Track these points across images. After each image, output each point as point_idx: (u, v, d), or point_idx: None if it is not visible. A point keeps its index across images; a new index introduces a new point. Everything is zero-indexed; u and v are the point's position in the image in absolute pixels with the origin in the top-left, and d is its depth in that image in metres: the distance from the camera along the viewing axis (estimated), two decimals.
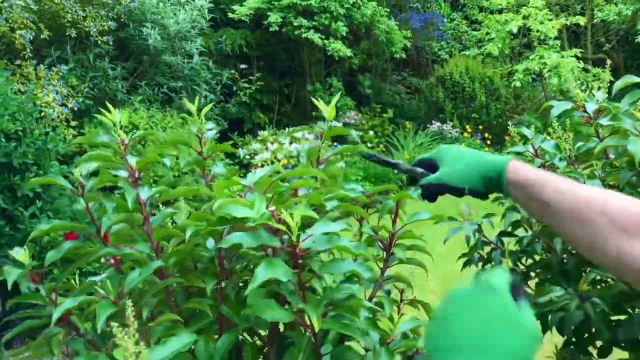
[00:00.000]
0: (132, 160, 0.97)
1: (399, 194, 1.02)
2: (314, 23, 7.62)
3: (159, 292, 0.89)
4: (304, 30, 7.51)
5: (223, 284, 0.90)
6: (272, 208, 0.86)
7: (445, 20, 10.33)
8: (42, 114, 5.34)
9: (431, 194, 0.92)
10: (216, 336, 0.90)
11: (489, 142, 9.00)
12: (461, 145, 1.04)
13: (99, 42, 6.17)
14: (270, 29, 7.48)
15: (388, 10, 8.52)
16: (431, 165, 0.95)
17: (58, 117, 5.52)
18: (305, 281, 0.79)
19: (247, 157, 7.37)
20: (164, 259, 0.90)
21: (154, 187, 0.99)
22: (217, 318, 0.90)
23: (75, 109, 5.77)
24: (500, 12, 9.24)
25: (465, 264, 1.62)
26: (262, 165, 7.37)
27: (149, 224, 0.91)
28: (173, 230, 0.91)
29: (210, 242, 0.91)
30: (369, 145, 7.98)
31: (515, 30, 8.75)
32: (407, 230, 1.01)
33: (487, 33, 9.40)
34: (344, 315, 0.79)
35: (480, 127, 9.11)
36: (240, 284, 0.95)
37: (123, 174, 1.00)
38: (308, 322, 0.79)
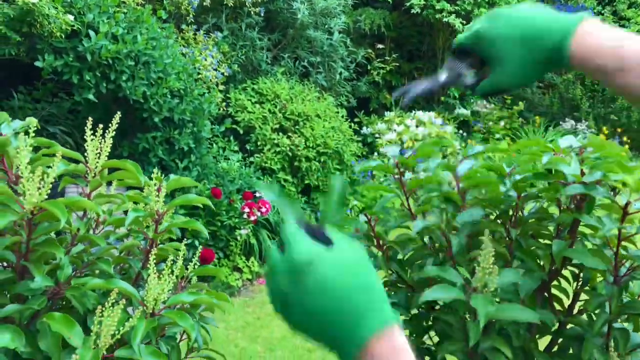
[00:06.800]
0: None
1: None
2: (456, 7, 7.53)
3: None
4: (445, 14, 7.45)
5: (517, 233, 1.01)
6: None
7: (593, 13, 9.74)
8: (199, 75, 5.77)
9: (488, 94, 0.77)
10: None
11: (627, 146, 8.48)
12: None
13: (252, 12, 6.52)
14: (412, 11, 7.49)
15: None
16: (471, 54, 0.75)
17: (212, 80, 5.94)
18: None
19: (376, 136, 7.50)
20: (477, 203, 1.02)
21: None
22: (508, 260, 1.01)
23: (226, 74, 6.16)
24: None
25: None
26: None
27: (458, 175, 1.03)
28: (490, 179, 1.02)
29: (511, 192, 1.02)
30: (497, 136, 7.82)
31: None
32: None
33: (638, 31, 8.76)
34: None
35: (620, 130, 8.59)
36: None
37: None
38: None
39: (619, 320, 1.10)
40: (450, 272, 0.87)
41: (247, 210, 5.10)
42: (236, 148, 6.00)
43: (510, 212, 1.01)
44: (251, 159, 6.01)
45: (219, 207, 5.22)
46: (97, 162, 0.95)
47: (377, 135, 7.71)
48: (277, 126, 6.17)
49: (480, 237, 0.86)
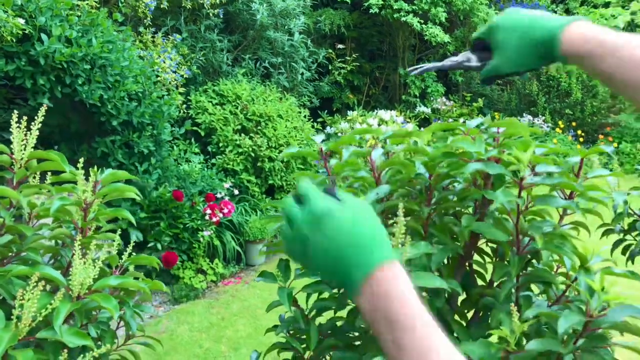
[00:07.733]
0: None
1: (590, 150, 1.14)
2: (413, 7, 7.66)
3: (383, 211, 1.07)
4: (403, 13, 7.58)
5: (429, 210, 1.07)
6: (493, 149, 1.02)
7: (547, 11, 9.97)
8: (158, 78, 5.74)
9: (489, 79, 0.90)
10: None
11: (581, 139, 8.76)
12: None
13: (211, 14, 6.52)
14: (371, 11, 7.60)
15: None
16: (486, 46, 0.89)
17: (171, 82, 5.92)
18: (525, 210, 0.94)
19: (339, 135, 7.57)
20: (392, 184, 1.08)
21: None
22: (424, 236, 1.07)
23: (186, 76, 6.15)
24: (606, 6, 8.89)
25: (605, 233, 1.73)
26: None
27: (373, 159, 1.09)
28: (400, 160, 1.08)
29: (425, 173, 1.08)
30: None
31: (621, 26, 8.41)
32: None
33: None
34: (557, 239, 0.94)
35: (574, 123, 8.87)
36: (443, 212, 1.12)
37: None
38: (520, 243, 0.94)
39: (538, 293, 1.18)
40: None
41: (209, 211, 5.11)
42: (197, 150, 5.99)
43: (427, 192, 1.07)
44: (213, 160, 6.01)
45: (181, 210, 5.21)
46: (23, 154, 0.97)
47: (340, 135, 7.78)
48: (239, 127, 6.19)
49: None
